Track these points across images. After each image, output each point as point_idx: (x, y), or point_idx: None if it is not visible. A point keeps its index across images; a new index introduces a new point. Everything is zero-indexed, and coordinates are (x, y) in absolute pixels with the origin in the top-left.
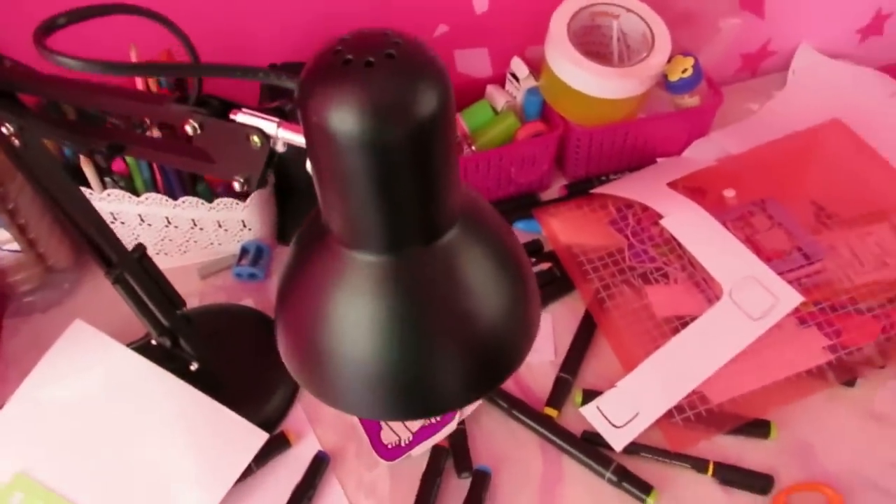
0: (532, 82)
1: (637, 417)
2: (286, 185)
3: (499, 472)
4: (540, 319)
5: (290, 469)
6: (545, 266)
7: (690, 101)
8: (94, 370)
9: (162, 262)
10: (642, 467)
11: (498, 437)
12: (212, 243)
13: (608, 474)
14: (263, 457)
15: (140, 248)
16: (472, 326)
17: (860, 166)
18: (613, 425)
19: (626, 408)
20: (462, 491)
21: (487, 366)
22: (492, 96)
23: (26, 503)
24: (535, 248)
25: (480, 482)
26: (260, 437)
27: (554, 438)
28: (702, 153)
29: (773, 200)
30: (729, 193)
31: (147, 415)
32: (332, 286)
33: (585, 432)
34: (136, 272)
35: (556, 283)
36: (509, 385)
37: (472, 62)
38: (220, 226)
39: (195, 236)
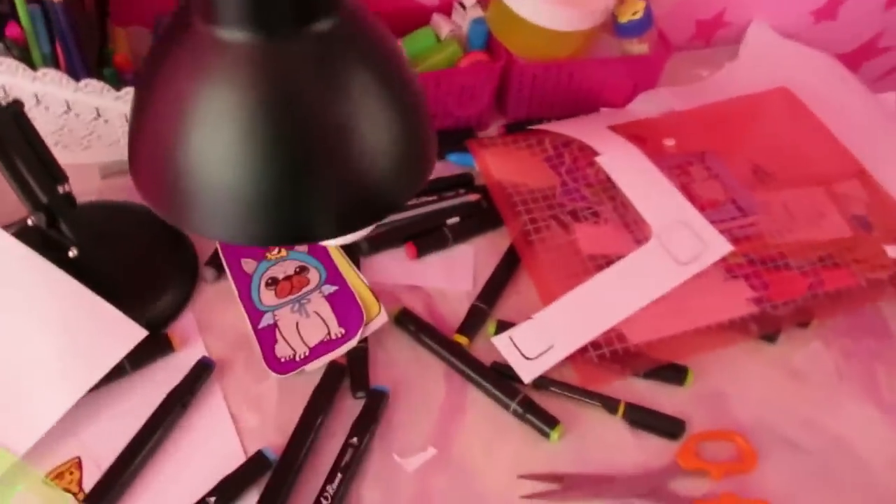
0: (479, 12)
1: (550, 350)
2: None
3: (398, 395)
4: (434, 160)
5: (169, 374)
6: (473, 198)
7: (639, 47)
8: None
9: (61, 157)
10: (551, 402)
11: (401, 360)
12: (118, 140)
13: (514, 405)
14: (141, 359)
15: (17, 104)
16: (349, 143)
17: (803, 134)
18: (525, 357)
19: (540, 340)
20: (355, 413)
21: (365, 192)
22: (437, 24)
23: None
24: (465, 181)
25: (376, 403)
26: (137, 333)
27: (460, 366)
28: (646, 107)
29: (713, 154)
30: (669, 142)
31: (9, 300)
32: (195, 74)
33: (495, 363)
34: (9, 132)
35: (483, 216)
36: (419, 309)
37: None
38: (127, 120)
39: (99, 129)
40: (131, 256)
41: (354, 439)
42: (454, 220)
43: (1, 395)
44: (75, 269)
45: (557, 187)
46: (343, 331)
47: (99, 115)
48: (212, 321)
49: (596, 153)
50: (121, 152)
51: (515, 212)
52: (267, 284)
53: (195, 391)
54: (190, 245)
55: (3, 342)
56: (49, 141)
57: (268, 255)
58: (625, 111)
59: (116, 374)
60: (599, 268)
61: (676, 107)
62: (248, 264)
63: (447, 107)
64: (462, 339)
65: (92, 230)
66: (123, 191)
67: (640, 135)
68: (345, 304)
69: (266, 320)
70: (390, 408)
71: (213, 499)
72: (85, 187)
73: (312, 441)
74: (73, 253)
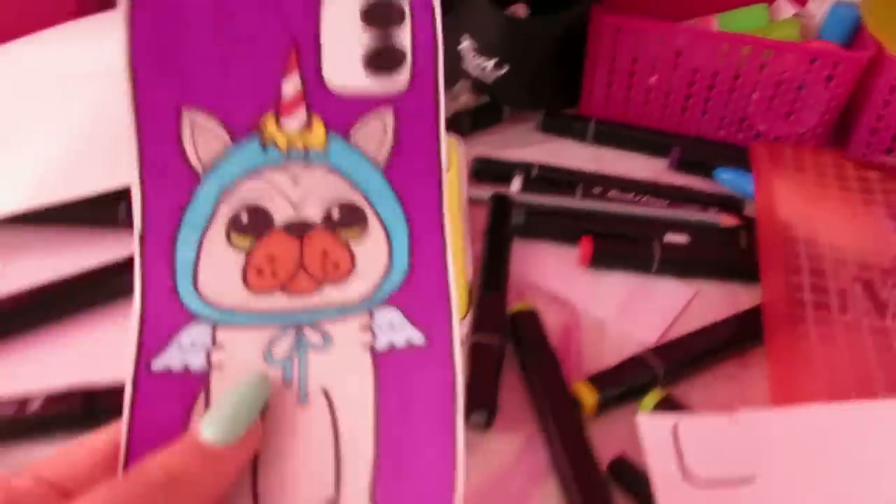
0: None
1: (746, 486)
2: None
3: None
4: None
5: None
6: (729, 221)
7: None
8: None
9: None
10: None
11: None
12: None
13: None
14: None
15: None
16: None
17: None
18: (683, 469)
19: (730, 457)
20: None
21: None
22: (779, 6)
23: None
24: (727, 203)
25: None
26: None
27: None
28: None
29: None
30: None
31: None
32: None
33: (620, 459)
34: None
35: (729, 254)
36: (551, 328)
37: None
38: None
39: None
40: None
41: None
42: (679, 237)
43: None
44: None
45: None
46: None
47: None
48: None
49: None
50: None
51: (791, 266)
52: (233, 229)
53: None
54: None
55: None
56: None
57: (270, 120)
58: None
59: (106, 219)
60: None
61: None
62: (202, 131)
63: (745, 108)
64: (588, 394)
65: None
66: None
67: None
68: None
69: (177, 356)
70: None
71: None
72: None
73: None
74: None
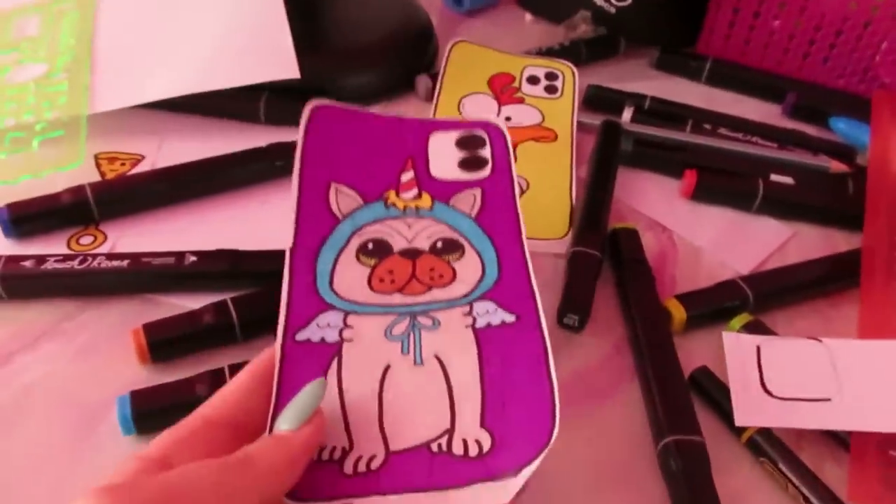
0: None
1: (822, 405)
2: None
3: None
4: None
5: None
6: (838, 167)
7: None
8: None
9: None
10: (735, 477)
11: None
12: None
13: (662, 446)
14: (279, 112)
15: None
16: None
17: None
18: (765, 388)
19: (810, 378)
20: None
21: None
22: None
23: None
24: (840, 151)
25: None
26: (289, 70)
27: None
28: None
29: None
30: None
31: None
32: None
33: (701, 370)
34: None
35: (834, 199)
36: (650, 251)
37: None
38: None
39: None
40: (360, 15)
41: None
42: (784, 179)
43: (127, 49)
44: None
45: None
46: (491, 440)
47: None
48: None
49: None
50: None
51: (895, 213)
52: (361, 253)
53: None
54: (430, 49)
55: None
56: None
57: (392, 193)
58: None
59: (247, 113)
60: None
61: None
62: (343, 195)
63: (875, 63)
64: (677, 310)
65: None
66: None
67: None
68: (522, 364)
69: (317, 332)
70: None
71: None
72: None
73: None
74: None
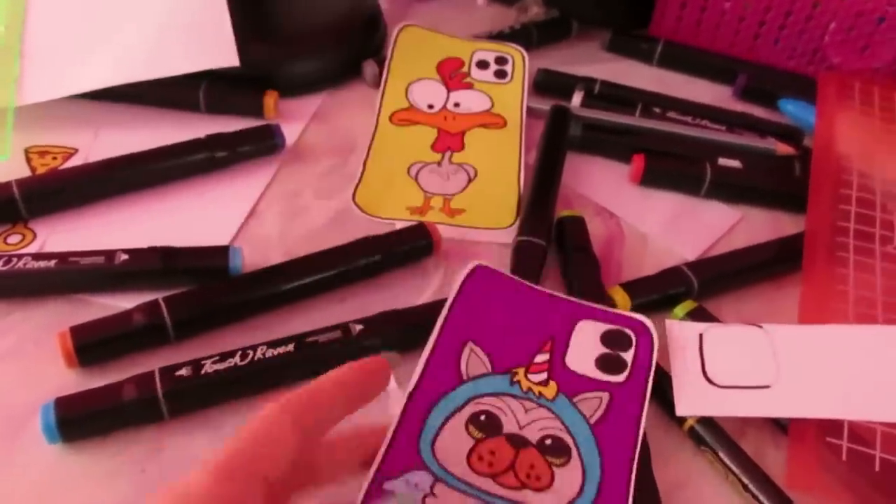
0: None
1: (761, 392)
2: None
3: None
4: None
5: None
6: (784, 149)
7: None
8: None
9: None
10: (677, 463)
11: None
12: None
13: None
14: (218, 102)
15: None
16: None
17: None
18: (706, 376)
19: (750, 365)
20: None
21: None
22: None
23: None
24: (787, 132)
25: None
26: (229, 58)
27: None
28: None
29: None
30: None
31: None
32: None
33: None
34: None
35: (780, 182)
36: (595, 239)
37: None
38: None
39: None
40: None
41: None
42: (731, 163)
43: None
44: None
45: None
46: None
47: None
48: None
49: None
50: None
51: (840, 195)
52: (472, 422)
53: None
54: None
55: None
56: None
57: (521, 371)
58: None
59: (187, 102)
60: None
61: None
62: (475, 357)
63: (823, 44)
64: (622, 298)
65: None
66: None
67: None
68: None
69: (404, 488)
70: None
71: None
72: None
73: None
74: None
